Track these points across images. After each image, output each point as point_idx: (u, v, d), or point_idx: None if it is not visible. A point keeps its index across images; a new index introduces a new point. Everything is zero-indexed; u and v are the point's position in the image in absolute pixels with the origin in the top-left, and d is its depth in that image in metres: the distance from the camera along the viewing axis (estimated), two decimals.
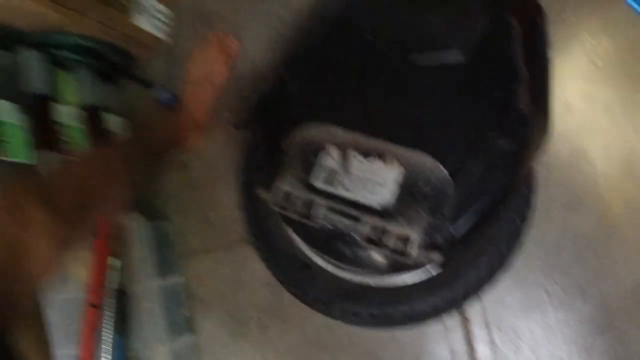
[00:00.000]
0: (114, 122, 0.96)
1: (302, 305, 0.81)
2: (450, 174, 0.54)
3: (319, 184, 0.56)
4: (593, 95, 0.73)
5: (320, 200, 0.55)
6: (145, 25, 0.90)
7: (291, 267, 0.69)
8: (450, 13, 0.62)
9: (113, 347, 0.84)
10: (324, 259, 0.68)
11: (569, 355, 0.71)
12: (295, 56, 0.67)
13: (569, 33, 0.74)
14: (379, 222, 0.53)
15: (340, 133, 0.58)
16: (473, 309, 0.75)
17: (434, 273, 0.63)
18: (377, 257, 0.58)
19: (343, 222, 0.54)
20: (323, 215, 0.54)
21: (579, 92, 0.73)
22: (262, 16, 0.90)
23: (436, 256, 0.52)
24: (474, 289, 0.62)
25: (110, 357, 0.84)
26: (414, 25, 0.62)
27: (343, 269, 0.67)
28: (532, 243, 0.72)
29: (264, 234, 0.71)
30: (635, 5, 0.70)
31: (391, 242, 0.52)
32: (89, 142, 0.88)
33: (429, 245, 0.52)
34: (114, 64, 0.98)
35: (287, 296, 0.83)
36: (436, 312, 0.63)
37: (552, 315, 0.72)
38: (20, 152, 0.78)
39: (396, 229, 0.52)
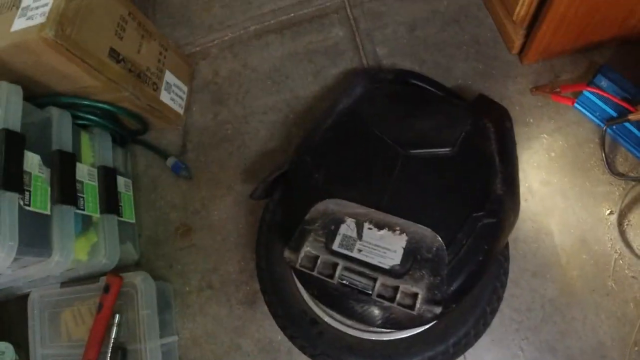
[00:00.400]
0: (123, 183, 1.06)
1: None
2: (445, 244, 0.68)
3: (339, 248, 0.68)
4: (551, 182, 0.91)
5: (340, 262, 0.66)
6: (167, 100, 1.03)
7: (301, 322, 0.77)
8: (440, 118, 0.80)
9: None
10: (331, 316, 0.78)
11: None
12: (316, 143, 0.81)
13: (531, 133, 0.94)
14: (390, 281, 0.65)
15: (356, 208, 0.71)
16: None
17: (427, 327, 0.75)
18: (383, 313, 0.69)
19: (359, 280, 0.65)
20: (342, 275, 0.66)
21: (539, 180, 0.92)
22: (273, 101, 1.07)
23: (437, 309, 0.64)
24: (463, 343, 0.73)
25: None
26: (413, 127, 0.79)
27: (348, 325, 0.77)
28: (507, 307, 0.85)
29: (276, 291, 0.80)
30: (581, 109, 0.91)
31: (401, 297, 0.64)
32: (100, 199, 0.96)
33: (431, 300, 0.64)
34: (131, 131, 1.09)
35: None
36: None
37: None
38: (39, 202, 0.84)
39: (406, 286, 0.64)
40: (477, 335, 0.74)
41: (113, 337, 0.89)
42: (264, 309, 0.94)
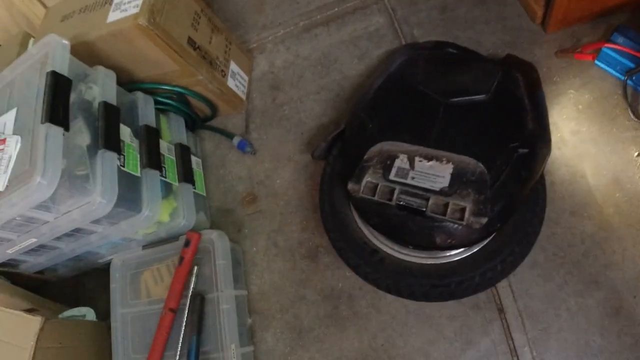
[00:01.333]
0: (195, 161, 1.24)
1: (356, 315, 1.02)
2: (486, 170, 0.82)
3: (395, 177, 0.83)
4: (580, 131, 1.03)
5: (397, 187, 0.81)
6: (232, 86, 1.23)
7: (363, 253, 0.91)
8: (475, 72, 0.96)
9: (189, 347, 0.98)
10: (390, 247, 0.92)
11: (592, 336, 0.91)
12: (368, 102, 0.98)
13: (558, 90, 1.08)
14: (441, 199, 0.79)
15: (407, 146, 0.86)
16: (506, 300, 0.96)
17: (475, 249, 0.87)
18: (437, 233, 0.83)
19: (414, 201, 0.80)
20: (400, 197, 0.80)
21: (570, 130, 1.04)
22: (325, 82, 1.25)
23: (483, 219, 0.77)
24: (509, 260, 0.85)
25: (184, 358, 0.98)
26: (451, 81, 0.95)
27: (405, 253, 0.90)
28: (549, 244, 0.97)
29: (339, 229, 0.95)
30: (602, 65, 1.04)
31: (451, 212, 0.78)
32: (179, 171, 1.14)
33: (477, 212, 0.78)
34: (200, 118, 1.29)
35: (344, 308, 1.05)
36: (483, 282, 0.85)
37: (572, 301, 0.93)
38: (132, 165, 1.02)
39: (455, 202, 0.78)
40: (523, 254, 0.86)
41: (192, 286, 1.05)
42: (325, 261, 1.09)
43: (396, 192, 0.81)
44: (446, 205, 0.78)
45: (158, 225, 1.13)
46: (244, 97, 1.28)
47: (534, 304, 0.95)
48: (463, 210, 0.78)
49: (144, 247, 1.16)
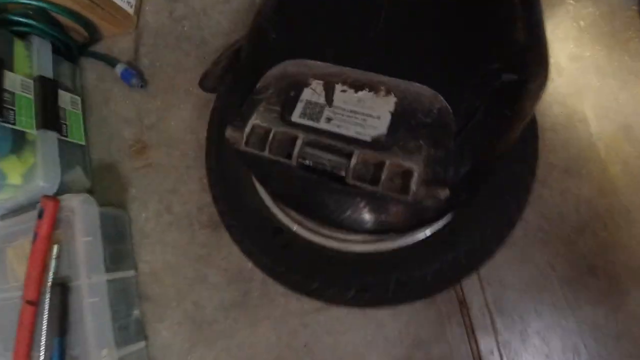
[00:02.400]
0: (69, 100, 0.84)
1: (272, 304, 0.68)
2: (450, 106, 0.45)
3: (300, 119, 0.45)
4: (582, 56, 0.67)
5: (300, 134, 0.43)
6: None
7: (262, 233, 0.55)
8: None
9: (52, 352, 0.65)
10: (301, 224, 0.55)
11: (582, 339, 0.60)
12: (275, 5, 0.57)
13: None
14: (371, 154, 0.42)
15: (324, 67, 0.48)
16: (471, 291, 0.63)
17: (429, 234, 0.52)
18: (367, 210, 0.47)
19: (328, 158, 0.43)
20: (304, 152, 0.43)
21: (567, 54, 0.67)
22: None
23: (442, 193, 0.41)
24: (480, 251, 0.50)
25: None
26: None
27: (324, 235, 0.55)
28: (532, 212, 0.62)
29: (231, 196, 0.58)
30: None
31: (388, 178, 0.41)
32: (37, 114, 0.74)
33: (432, 180, 0.42)
34: (79, 43, 0.87)
35: (256, 294, 0.71)
36: (437, 283, 0.50)
37: (559, 293, 0.61)
38: None
39: (394, 160, 0.41)
40: (499, 241, 0.51)
41: (52, 272, 0.69)
42: None
43: (298, 143, 0.43)
44: (380, 165, 0.41)
45: (14, 189, 0.75)
46: (131, 11, 0.85)
47: (508, 295, 0.62)
48: (408, 174, 0.41)
49: (2, 216, 0.78)
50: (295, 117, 0.45)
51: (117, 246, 0.76)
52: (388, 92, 0.45)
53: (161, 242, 0.76)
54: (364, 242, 0.52)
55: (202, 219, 0.74)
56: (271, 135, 0.44)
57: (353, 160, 0.42)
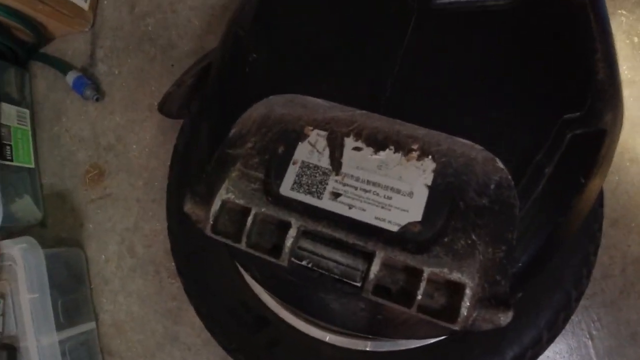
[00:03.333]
0: (15, 115, 0.64)
1: None
2: (511, 174, 0.28)
3: (293, 192, 0.28)
4: (635, 81, 0.51)
5: (294, 220, 0.27)
6: None
7: (240, 323, 0.39)
8: None
9: None
10: (291, 311, 0.39)
11: None
12: (257, 7, 0.39)
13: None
14: (401, 256, 0.26)
15: (326, 108, 0.31)
16: None
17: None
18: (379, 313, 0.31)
19: (336, 259, 0.26)
20: (299, 250, 0.27)
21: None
22: None
23: (504, 317, 0.25)
24: (529, 355, 0.35)
25: None
26: None
27: (321, 326, 0.38)
28: None
29: (198, 272, 0.41)
30: None
31: (426, 294, 0.25)
32: None
33: (491, 298, 0.26)
34: (26, 45, 0.67)
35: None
36: None
37: None
38: None
39: (437, 270, 0.25)
40: (551, 339, 0.36)
41: None
42: None
43: (291, 234, 0.26)
44: (414, 274, 0.25)
45: None
46: (85, 6, 0.64)
47: None
48: (455, 289, 0.25)
49: None
50: (286, 189, 0.28)
51: (73, 295, 0.59)
52: (423, 154, 0.29)
53: (124, 291, 0.59)
54: (373, 339, 0.37)
55: (170, 266, 0.57)
56: (250, 218, 0.27)
57: (374, 267, 0.25)
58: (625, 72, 0.51)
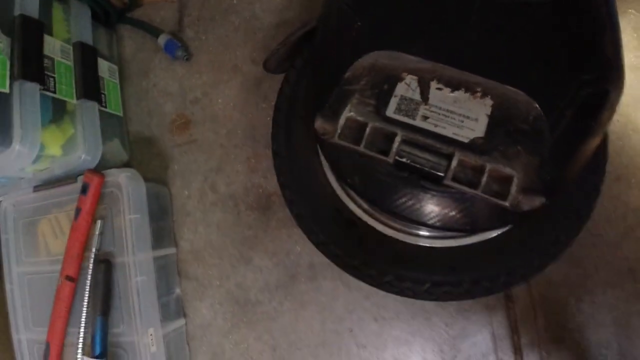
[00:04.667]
0: (107, 69, 0.80)
1: (319, 289, 0.68)
2: (544, 113, 0.44)
3: (395, 114, 0.44)
4: None
5: (399, 131, 0.43)
6: None
7: (333, 224, 0.55)
8: None
9: (94, 330, 0.65)
10: (374, 217, 0.55)
11: (616, 338, 0.63)
12: None
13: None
14: (472, 157, 0.42)
15: (416, 61, 0.47)
16: (517, 287, 0.64)
17: (498, 232, 0.52)
18: (454, 208, 0.47)
19: (427, 158, 0.42)
20: (401, 150, 0.42)
21: (627, 64, 0.65)
22: None
23: (538, 200, 0.41)
24: (552, 252, 0.51)
25: (88, 341, 0.65)
26: None
27: (397, 229, 0.55)
28: None
29: (300, 184, 0.57)
30: None
31: (487, 182, 0.41)
32: (78, 83, 0.71)
33: (530, 187, 0.42)
34: (117, 9, 0.82)
35: (302, 278, 0.71)
36: (509, 282, 0.51)
37: (600, 295, 0.63)
38: None
39: (494, 165, 0.41)
40: (569, 243, 0.52)
41: (95, 248, 0.67)
42: (280, 216, 0.72)
43: (397, 140, 0.42)
44: (480, 169, 0.41)
45: (51, 160, 0.72)
46: None
47: (553, 293, 0.64)
48: (507, 180, 0.41)
49: (36, 188, 0.75)
50: (390, 113, 0.44)
51: (160, 223, 0.75)
52: (484, 95, 0.45)
53: (204, 222, 0.75)
54: (437, 237, 0.53)
55: (248, 200, 0.73)
56: (367, 129, 0.43)
57: (454, 162, 0.41)
58: (632, 59, 0.67)
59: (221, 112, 0.76)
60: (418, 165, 0.42)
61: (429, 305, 0.66)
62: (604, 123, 0.48)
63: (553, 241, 0.51)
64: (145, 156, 0.80)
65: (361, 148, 0.43)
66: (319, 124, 0.45)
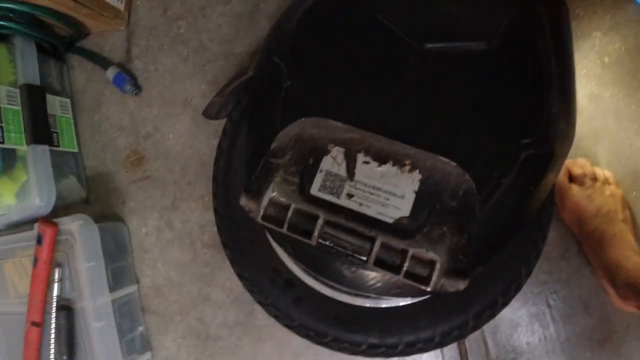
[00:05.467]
0: (58, 104, 0.77)
1: (275, 325, 0.68)
2: (476, 184, 0.42)
3: (319, 192, 0.42)
4: (602, 97, 0.64)
5: (321, 213, 0.41)
6: None
7: (273, 285, 0.54)
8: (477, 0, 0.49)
9: None
10: (314, 277, 0.54)
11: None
12: (290, 37, 0.51)
13: (581, 29, 0.64)
14: (395, 241, 0.40)
15: (345, 130, 0.44)
16: None
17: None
18: (382, 279, 0.46)
19: (349, 241, 0.41)
20: (324, 233, 0.41)
21: (588, 93, 0.64)
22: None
23: (461, 284, 0.40)
24: (487, 314, 0.51)
25: None
26: (433, 11, 0.48)
27: (336, 289, 0.54)
28: None
29: (240, 244, 0.56)
30: None
31: (410, 267, 0.40)
32: (27, 127, 0.69)
33: (453, 270, 0.40)
34: (64, 39, 0.78)
35: (259, 315, 0.70)
36: (442, 340, 0.51)
37: (552, 329, 0.63)
38: None
39: (418, 250, 0.39)
40: (505, 304, 0.51)
41: (55, 295, 0.67)
42: None
43: (319, 223, 0.41)
44: (402, 253, 0.40)
45: (7, 208, 0.72)
46: (120, 5, 0.76)
47: (504, 329, 0.64)
48: (431, 264, 0.40)
49: None
50: (315, 191, 0.42)
51: (119, 263, 0.74)
52: (413, 168, 0.42)
53: (162, 259, 0.75)
54: (376, 298, 0.52)
55: (204, 238, 0.72)
56: (290, 212, 0.41)
57: (375, 247, 0.40)
58: (594, 88, 0.64)
59: (173, 148, 0.74)
60: (341, 249, 0.41)
61: None
62: (546, 187, 0.47)
63: (491, 303, 0.50)
64: (102, 192, 0.78)
65: (284, 230, 0.42)
66: (244, 202, 0.43)
